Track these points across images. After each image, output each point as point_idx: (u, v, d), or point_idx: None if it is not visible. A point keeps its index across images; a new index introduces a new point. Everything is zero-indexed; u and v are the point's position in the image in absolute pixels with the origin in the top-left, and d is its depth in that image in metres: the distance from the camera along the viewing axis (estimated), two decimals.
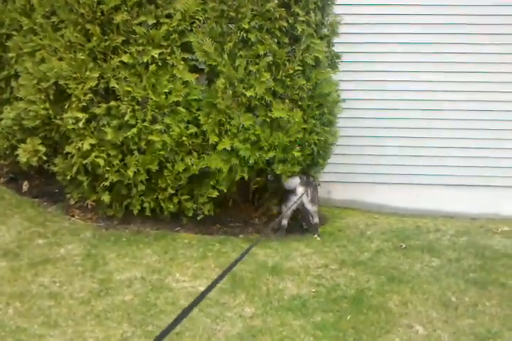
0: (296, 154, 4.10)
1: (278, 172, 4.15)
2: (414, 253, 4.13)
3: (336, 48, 4.48)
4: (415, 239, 4.46)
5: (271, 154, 4.07)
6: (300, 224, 4.60)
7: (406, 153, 5.26)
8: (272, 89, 4.04)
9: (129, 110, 3.90)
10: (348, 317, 3.15)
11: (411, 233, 4.62)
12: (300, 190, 4.27)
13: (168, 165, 4.05)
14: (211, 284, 1.98)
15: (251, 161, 4.03)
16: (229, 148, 3.98)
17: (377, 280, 3.64)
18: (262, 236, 4.23)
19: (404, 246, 4.28)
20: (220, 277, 2.04)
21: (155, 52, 3.88)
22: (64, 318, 2.94)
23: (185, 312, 1.65)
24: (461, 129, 5.17)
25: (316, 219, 4.45)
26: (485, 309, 3.33)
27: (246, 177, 4.12)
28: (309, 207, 4.37)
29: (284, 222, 4.38)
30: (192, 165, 4.04)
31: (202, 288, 3.38)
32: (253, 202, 4.61)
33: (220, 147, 3.98)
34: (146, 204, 4.18)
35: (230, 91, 3.98)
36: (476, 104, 5.14)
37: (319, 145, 4.29)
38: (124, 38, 3.90)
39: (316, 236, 4.37)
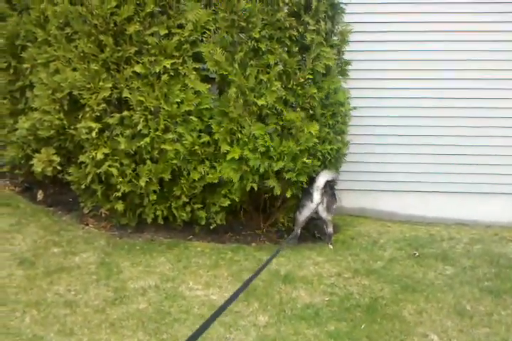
0: (308, 161, 4.10)
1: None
2: (427, 262, 4.11)
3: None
4: (428, 247, 4.43)
5: (280, 164, 4.07)
6: (312, 232, 4.59)
7: (417, 160, 5.24)
8: (283, 97, 4.07)
9: (141, 120, 3.94)
10: (362, 326, 3.14)
11: (424, 241, 4.59)
12: (317, 197, 4.25)
13: (184, 173, 4.08)
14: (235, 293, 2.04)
15: (261, 170, 4.05)
16: (239, 158, 4.00)
17: (391, 289, 3.62)
18: (283, 244, 4.21)
19: (417, 254, 4.26)
20: (250, 279, 2.11)
21: (167, 63, 3.92)
22: (79, 326, 2.97)
23: (222, 308, 1.71)
24: (474, 137, 5.14)
25: (331, 229, 4.41)
26: (500, 318, 3.30)
27: (256, 187, 4.13)
28: (324, 215, 4.33)
29: (297, 229, 4.37)
30: (207, 174, 4.07)
31: (215, 297, 3.40)
32: (264, 210, 4.61)
33: (229, 156, 4.01)
34: (158, 213, 4.21)
35: (241, 100, 4.01)
36: (489, 112, 5.10)
37: (332, 154, 4.29)
38: (136, 49, 3.95)
39: (330, 245, 4.36)
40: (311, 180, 4.29)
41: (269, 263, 2.59)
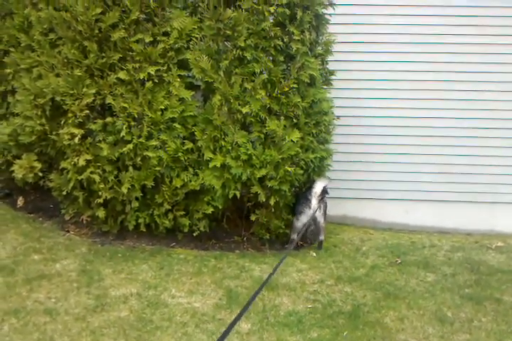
0: (290, 169, 4.11)
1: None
2: (409, 269, 4.14)
3: None
4: (410, 255, 4.47)
5: (263, 172, 4.09)
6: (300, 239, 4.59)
7: (399, 169, 5.29)
8: (267, 106, 4.09)
9: (124, 126, 3.93)
10: (345, 333, 3.14)
11: (406, 248, 4.63)
12: (314, 204, 4.28)
13: (166, 180, 4.07)
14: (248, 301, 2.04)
15: (243, 178, 4.06)
16: (221, 165, 4.00)
17: (373, 296, 3.64)
18: (285, 253, 4.17)
19: (399, 261, 4.29)
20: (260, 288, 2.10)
21: (151, 69, 3.92)
22: (59, 334, 2.92)
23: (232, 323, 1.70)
24: (450, 146, 5.21)
25: (323, 236, 4.47)
26: (481, 324, 3.34)
27: (238, 194, 4.13)
28: (322, 221, 4.37)
29: (294, 236, 4.37)
30: (190, 181, 4.06)
31: (197, 304, 3.38)
32: (248, 217, 4.61)
33: (212, 164, 4.01)
34: (141, 220, 4.18)
35: (226, 108, 4.03)
36: (465, 122, 5.20)
37: (315, 163, 4.32)
38: (121, 55, 3.94)
39: (313, 253, 4.37)
40: (309, 187, 4.34)
41: (274, 273, 2.59)
